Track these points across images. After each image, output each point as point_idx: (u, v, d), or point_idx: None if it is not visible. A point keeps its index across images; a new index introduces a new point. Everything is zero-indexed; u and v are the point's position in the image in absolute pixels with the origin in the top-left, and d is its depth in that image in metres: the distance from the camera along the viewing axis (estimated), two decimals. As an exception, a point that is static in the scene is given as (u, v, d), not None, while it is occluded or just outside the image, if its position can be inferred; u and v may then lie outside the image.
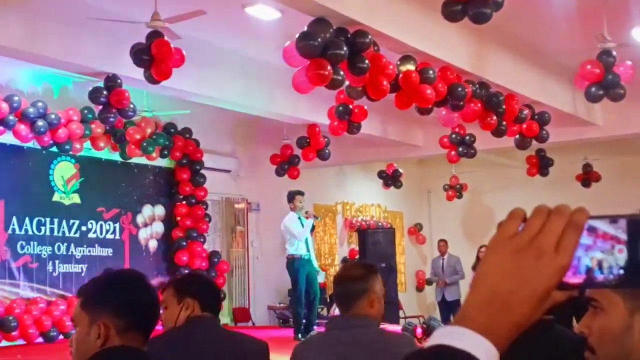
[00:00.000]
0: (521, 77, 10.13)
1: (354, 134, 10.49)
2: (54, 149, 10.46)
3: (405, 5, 7.93)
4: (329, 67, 6.96)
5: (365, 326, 3.46)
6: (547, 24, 9.14)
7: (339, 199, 16.47)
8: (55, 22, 8.29)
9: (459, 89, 8.77)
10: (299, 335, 10.57)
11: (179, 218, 12.58)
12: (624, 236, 0.93)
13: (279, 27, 8.42)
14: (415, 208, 18.62)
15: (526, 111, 10.49)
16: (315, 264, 11.46)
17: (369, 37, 7.19)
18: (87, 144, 10.85)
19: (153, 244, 12.49)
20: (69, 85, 10.80)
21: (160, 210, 12.63)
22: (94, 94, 9.05)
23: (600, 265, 0.93)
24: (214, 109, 11.15)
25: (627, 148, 14.61)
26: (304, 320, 10.88)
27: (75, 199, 11.35)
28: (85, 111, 10.39)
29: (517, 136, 11.10)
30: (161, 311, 3.51)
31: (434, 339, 0.90)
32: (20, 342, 9.95)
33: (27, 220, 10.67)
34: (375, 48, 7.52)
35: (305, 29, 6.93)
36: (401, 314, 15.11)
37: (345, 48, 7.00)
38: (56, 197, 11.10)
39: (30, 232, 10.71)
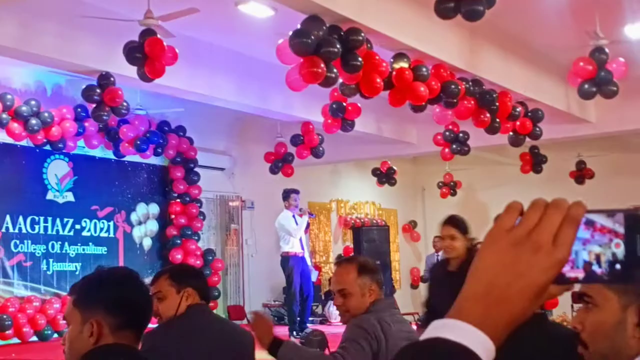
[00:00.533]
0: (514, 74, 10.15)
1: (347, 131, 10.49)
2: (48, 147, 10.45)
3: (398, 2, 7.94)
4: (322, 65, 6.96)
5: None
6: (540, 21, 9.15)
7: (333, 196, 16.48)
8: (49, 21, 8.27)
9: (453, 86, 8.78)
10: (294, 333, 10.58)
11: (173, 216, 12.58)
12: (621, 230, 0.93)
13: (272, 24, 8.41)
14: (409, 205, 18.63)
15: (519, 108, 10.50)
16: (309, 261, 11.49)
17: (362, 34, 7.20)
18: (81, 142, 10.85)
19: (147, 242, 12.48)
20: (62, 84, 10.79)
21: (154, 208, 12.63)
22: (87, 92, 9.04)
23: (598, 259, 0.93)
24: (208, 107, 11.15)
25: (620, 145, 14.64)
26: (298, 318, 10.89)
27: (69, 197, 11.34)
28: (79, 109, 10.38)
29: (511, 133, 11.11)
30: (155, 302, 3.54)
31: (430, 332, 0.90)
32: (15, 340, 9.95)
33: (21, 218, 10.66)
34: (369, 46, 7.53)
35: (299, 26, 6.93)
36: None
37: (338, 46, 7.00)
38: (50, 196, 11.09)
39: (24, 231, 10.70)
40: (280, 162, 12.86)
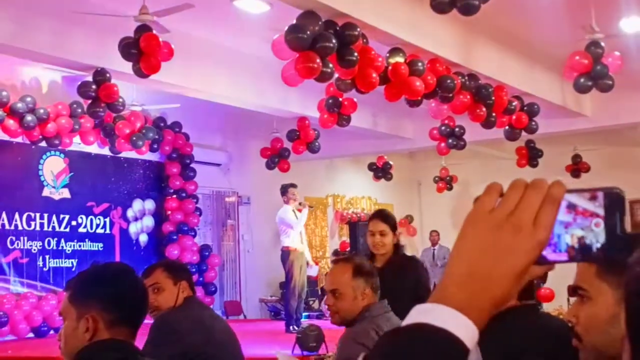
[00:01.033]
0: (510, 68, 10.15)
1: (343, 126, 10.49)
2: (43, 143, 10.43)
3: (393, -3, 7.94)
4: (318, 60, 6.95)
5: None
6: (536, 15, 9.14)
7: (329, 191, 16.48)
8: (44, 17, 8.25)
9: (448, 80, 8.78)
10: (291, 328, 10.60)
11: (169, 212, 12.57)
12: (602, 211, 0.92)
13: (267, 20, 8.40)
14: (405, 200, 18.64)
15: (515, 103, 10.51)
16: (308, 256, 11.53)
17: (358, 29, 7.19)
18: (77, 138, 10.83)
19: (144, 238, 12.48)
20: (57, 80, 10.77)
21: (150, 204, 12.62)
22: (82, 89, 9.02)
23: (580, 241, 0.92)
24: (204, 103, 11.13)
25: (616, 138, 14.67)
26: (297, 314, 10.94)
27: (65, 193, 11.33)
28: (74, 105, 10.36)
29: (507, 127, 11.12)
30: (151, 294, 3.56)
31: (412, 317, 0.89)
32: (11, 337, 9.94)
33: (17, 215, 10.65)
34: (364, 40, 7.52)
35: (294, 21, 6.92)
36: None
37: (334, 41, 6.99)
38: (46, 192, 11.08)
39: (20, 227, 10.69)
40: (276, 158, 12.85)
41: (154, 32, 7.58)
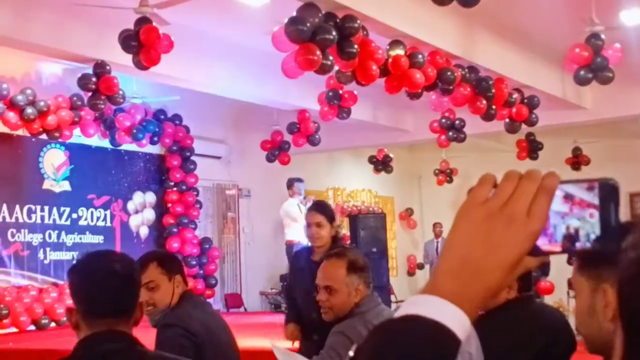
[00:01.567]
0: (510, 61, 10.14)
1: (344, 119, 10.48)
2: (44, 136, 10.43)
3: (394, -11, 7.93)
4: (318, 52, 6.95)
5: None
6: (536, 7, 9.13)
7: (329, 184, 16.48)
8: (44, 9, 8.24)
9: (449, 73, 8.77)
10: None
11: (169, 205, 12.58)
12: (597, 202, 0.92)
13: (267, 12, 8.38)
14: (406, 193, 18.64)
15: (515, 95, 10.50)
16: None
17: (358, 21, 7.18)
18: (77, 131, 10.82)
19: (144, 231, 12.49)
20: (57, 72, 10.76)
21: (151, 197, 12.63)
22: (83, 81, 9.02)
23: (576, 232, 0.92)
24: (204, 95, 11.13)
25: (616, 131, 14.66)
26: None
27: (66, 186, 11.33)
28: (75, 98, 10.35)
29: (507, 120, 11.11)
30: (146, 291, 3.55)
31: (404, 308, 0.89)
32: (12, 329, 9.96)
33: (17, 208, 10.66)
34: (364, 33, 7.51)
35: (294, 14, 6.92)
36: (393, 298, 15.14)
37: (334, 33, 6.98)
38: (46, 185, 11.09)
39: (20, 220, 10.69)
40: (276, 150, 12.85)
41: (154, 24, 7.58)
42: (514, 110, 10.80)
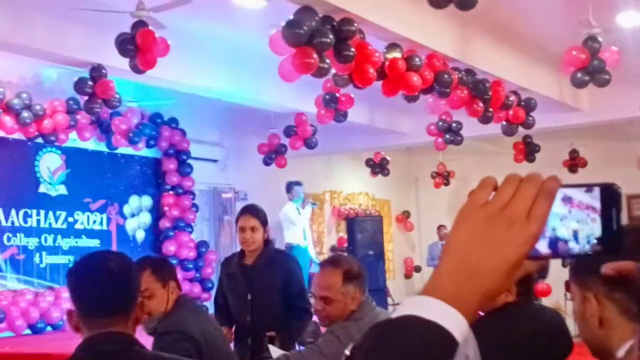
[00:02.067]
0: (507, 63, 10.14)
1: (340, 122, 10.48)
2: (40, 140, 10.41)
3: (390, -8, 7.92)
4: (315, 55, 6.94)
5: None
6: (533, 10, 9.14)
7: (326, 187, 16.47)
8: (40, 12, 8.23)
9: (445, 76, 8.77)
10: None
11: (166, 208, 12.55)
12: (598, 205, 0.92)
13: (264, 15, 8.37)
14: (403, 196, 18.64)
15: (512, 97, 10.50)
16: (312, 253, 11.59)
17: (355, 25, 7.18)
18: (73, 134, 10.79)
19: (140, 235, 12.47)
20: (53, 76, 10.74)
21: (147, 200, 12.61)
22: (79, 85, 9.00)
23: (575, 235, 0.92)
24: (200, 99, 11.11)
25: (613, 133, 14.66)
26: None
27: (62, 190, 11.31)
28: (71, 102, 10.32)
29: (504, 123, 11.11)
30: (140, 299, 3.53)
31: (401, 309, 0.89)
32: (8, 334, 9.93)
33: (13, 211, 10.64)
34: (361, 36, 7.51)
35: (291, 17, 6.91)
36: (390, 301, 15.15)
37: (331, 36, 6.98)
38: (42, 189, 11.06)
39: (16, 224, 10.67)
40: (273, 154, 12.84)
41: (151, 27, 7.58)
42: (510, 112, 10.80)
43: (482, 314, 2.86)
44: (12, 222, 10.63)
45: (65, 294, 10.66)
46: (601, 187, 0.92)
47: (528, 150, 13.87)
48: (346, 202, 16.98)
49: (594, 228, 0.91)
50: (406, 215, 18.59)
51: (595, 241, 0.92)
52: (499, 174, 0.96)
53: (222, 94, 10.78)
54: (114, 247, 11.88)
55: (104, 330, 2.38)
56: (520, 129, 11.42)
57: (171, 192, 12.59)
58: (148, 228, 12.56)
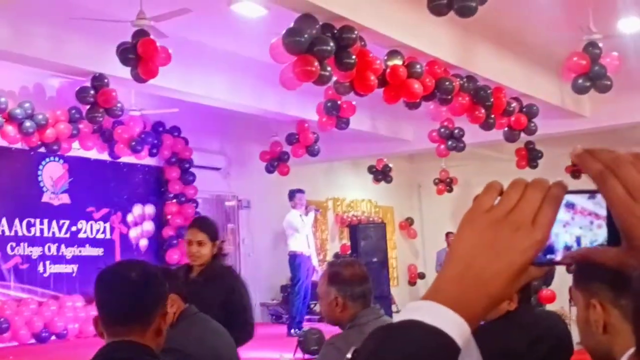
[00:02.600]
0: (508, 70, 10.15)
1: (342, 129, 10.49)
2: (42, 149, 10.43)
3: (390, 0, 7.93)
4: (316, 63, 6.96)
5: None
6: (533, 16, 9.14)
7: (329, 194, 16.47)
8: (41, 22, 8.26)
9: (447, 82, 8.78)
10: (292, 331, 10.60)
11: (169, 216, 12.56)
12: (602, 211, 0.91)
13: (265, 24, 8.39)
14: (405, 202, 18.63)
15: (514, 104, 10.51)
16: (315, 262, 11.59)
17: (356, 32, 7.19)
18: (76, 144, 10.82)
19: (144, 243, 12.47)
20: (55, 86, 10.76)
21: (150, 209, 12.61)
22: (81, 94, 9.02)
23: (578, 241, 0.91)
24: (202, 107, 11.13)
25: (615, 139, 14.60)
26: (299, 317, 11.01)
27: (65, 199, 11.32)
28: (73, 111, 10.35)
29: (506, 129, 11.12)
30: None
31: (404, 314, 0.88)
32: (12, 343, 9.93)
33: (16, 221, 10.65)
34: (362, 43, 7.52)
35: (292, 25, 6.93)
36: (394, 308, 15.12)
37: (332, 44, 6.99)
38: (45, 198, 11.08)
39: (20, 233, 10.68)
40: (275, 161, 12.85)
41: (152, 37, 7.59)
42: (512, 119, 10.81)
43: (482, 322, 2.86)
44: (16, 232, 10.64)
45: (69, 302, 10.69)
46: None
47: (530, 157, 13.86)
48: (349, 210, 16.97)
49: (597, 234, 0.91)
50: (409, 222, 18.57)
51: (598, 245, 0.91)
52: (502, 180, 0.96)
53: (224, 102, 10.80)
54: (118, 256, 11.88)
55: (119, 338, 2.43)
56: (523, 135, 11.42)
57: (174, 200, 12.60)
58: (151, 237, 12.56)
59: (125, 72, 7.92)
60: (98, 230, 11.77)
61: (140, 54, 7.56)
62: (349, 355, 2.99)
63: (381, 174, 15.57)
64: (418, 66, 8.39)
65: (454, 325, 0.86)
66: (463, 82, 9.28)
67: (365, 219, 16.93)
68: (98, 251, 11.68)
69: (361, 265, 3.83)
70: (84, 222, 11.56)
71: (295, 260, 11.09)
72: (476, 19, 6.99)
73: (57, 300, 10.72)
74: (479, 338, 1.96)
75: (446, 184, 16.37)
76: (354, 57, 7.26)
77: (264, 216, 13.74)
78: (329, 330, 7.68)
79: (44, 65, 8.84)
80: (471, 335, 0.88)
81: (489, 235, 0.89)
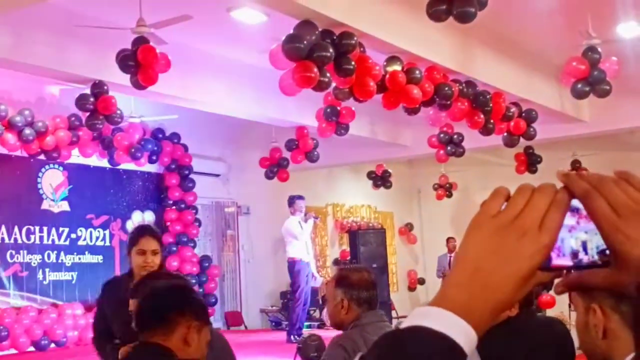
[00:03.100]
0: (507, 75, 10.15)
1: (342, 135, 10.48)
2: (42, 156, 10.42)
3: (390, 5, 7.94)
4: (315, 69, 6.96)
5: None
6: (532, 21, 9.16)
7: (329, 200, 16.47)
8: (41, 30, 8.26)
9: (446, 88, 8.78)
10: (292, 338, 10.59)
11: (168, 223, 12.56)
12: None
13: (264, 30, 8.41)
14: (405, 208, 18.63)
15: (513, 109, 10.51)
16: (313, 268, 11.58)
17: (355, 38, 7.20)
18: (75, 151, 10.81)
19: (143, 250, 12.43)
20: (55, 93, 10.77)
21: (149, 215, 12.60)
22: (80, 101, 9.02)
23: (584, 245, 0.91)
24: (202, 114, 11.13)
25: (614, 143, 14.66)
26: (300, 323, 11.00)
27: (64, 206, 11.32)
28: (73, 118, 10.35)
29: (505, 134, 11.12)
30: None
31: (410, 320, 0.87)
32: (12, 351, 9.91)
33: (16, 228, 10.64)
34: (361, 49, 7.53)
35: (291, 31, 6.93)
36: (394, 314, 15.12)
37: (331, 50, 7.00)
38: (45, 205, 11.07)
39: (19, 241, 10.67)
40: (275, 167, 12.84)
41: (152, 43, 7.59)
42: (512, 124, 10.81)
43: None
44: (15, 239, 10.63)
45: (69, 310, 10.67)
46: None
47: (530, 161, 13.86)
48: (349, 215, 16.97)
49: (602, 239, 0.91)
50: (409, 227, 18.57)
51: (607, 251, 0.91)
52: (501, 185, 0.96)
53: (223, 108, 10.80)
54: (117, 263, 11.88)
55: (144, 340, 2.69)
56: (522, 140, 11.42)
57: (174, 207, 12.60)
58: (151, 243, 12.52)
59: (124, 79, 7.91)
60: (98, 238, 11.76)
61: (140, 61, 7.56)
62: None
63: (380, 179, 15.57)
64: (417, 72, 8.39)
65: (460, 331, 0.85)
66: (462, 87, 9.28)
67: (365, 224, 16.93)
68: (98, 258, 11.67)
69: (370, 273, 3.90)
70: (83, 229, 11.55)
71: (294, 267, 11.08)
72: (475, 24, 7.00)
73: (56, 307, 10.71)
74: (479, 344, 1.95)
75: (446, 189, 16.37)
76: (353, 63, 7.27)
77: (264, 222, 13.74)
78: (329, 337, 7.68)
79: (44, 72, 8.84)
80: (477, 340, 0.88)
81: (495, 241, 0.89)
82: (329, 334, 9.40)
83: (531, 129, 11.12)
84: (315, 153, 12.28)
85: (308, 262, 11.19)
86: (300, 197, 11.36)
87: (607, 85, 8.82)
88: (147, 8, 7.52)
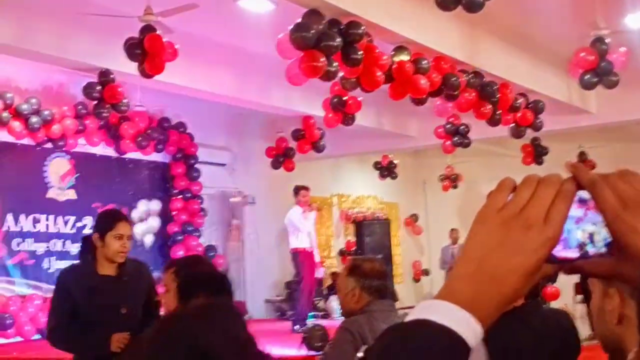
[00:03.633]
0: (515, 65, 10.13)
1: (348, 125, 10.47)
2: (49, 145, 10.44)
3: (398, -5, 7.93)
4: (322, 59, 6.94)
5: None
6: (541, 12, 9.12)
7: (334, 191, 16.46)
8: (48, 18, 8.26)
9: (453, 78, 8.76)
10: (296, 328, 10.60)
11: (174, 213, 12.57)
12: None
13: (272, 19, 8.39)
14: (411, 199, 18.62)
15: (520, 100, 10.48)
16: (317, 258, 11.59)
17: (362, 28, 7.18)
18: (82, 139, 10.83)
19: (149, 239, 12.47)
20: (62, 81, 10.77)
21: (155, 205, 12.61)
22: (87, 90, 9.03)
23: (591, 237, 0.90)
24: (208, 103, 11.13)
25: (621, 135, 14.63)
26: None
27: (71, 195, 11.33)
28: (79, 107, 10.36)
29: (512, 125, 11.09)
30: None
31: (415, 313, 0.87)
32: (17, 339, 9.95)
33: (22, 217, 10.66)
34: (369, 39, 7.50)
35: (299, 20, 6.91)
36: (398, 305, 15.14)
37: (338, 39, 6.98)
38: (51, 194, 11.08)
39: (25, 229, 10.69)
40: (281, 157, 12.84)
41: (158, 32, 7.59)
42: (518, 115, 10.78)
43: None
44: (21, 227, 10.65)
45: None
46: None
47: (536, 153, 13.83)
48: (354, 206, 16.97)
49: (607, 229, 0.90)
50: (414, 218, 18.56)
51: (610, 241, 0.90)
52: (508, 176, 0.95)
53: (230, 97, 10.79)
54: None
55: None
56: (529, 131, 11.39)
57: (179, 196, 12.61)
58: (156, 232, 12.56)
59: (131, 67, 7.91)
60: (103, 226, 11.76)
61: (147, 50, 7.56)
62: (360, 354, 3.06)
63: (386, 170, 15.56)
64: (424, 62, 8.37)
65: (465, 325, 0.85)
66: (469, 78, 9.26)
67: (370, 215, 16.93)
68: (103, 247, 11.67)
69: (382, 264, 4.03)
70: (89, 218, 11.56)
71: (297, 257, 11.08)
72: (483, 14, 6.98)
73: (62, 296, 10.72)
74: (485, 335, 1.94)
75: (451, 180, 16.36)
76: (360, 52, 7.25)
77: (269, 212, 13.73)
78: (333, 327, 7.68)
79: (51, 61, 8.84)
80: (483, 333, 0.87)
81: (501, 234, 0.88)
82: (333, 325, 9.41)
83: (538, 120, 11.09)
84: (322, 143, 12.28)
85: (312, 252, 11.20)
86: (306, 188, 11.35)
87: (615, 77, 8.79)
88: (154, -4, 7.52)
